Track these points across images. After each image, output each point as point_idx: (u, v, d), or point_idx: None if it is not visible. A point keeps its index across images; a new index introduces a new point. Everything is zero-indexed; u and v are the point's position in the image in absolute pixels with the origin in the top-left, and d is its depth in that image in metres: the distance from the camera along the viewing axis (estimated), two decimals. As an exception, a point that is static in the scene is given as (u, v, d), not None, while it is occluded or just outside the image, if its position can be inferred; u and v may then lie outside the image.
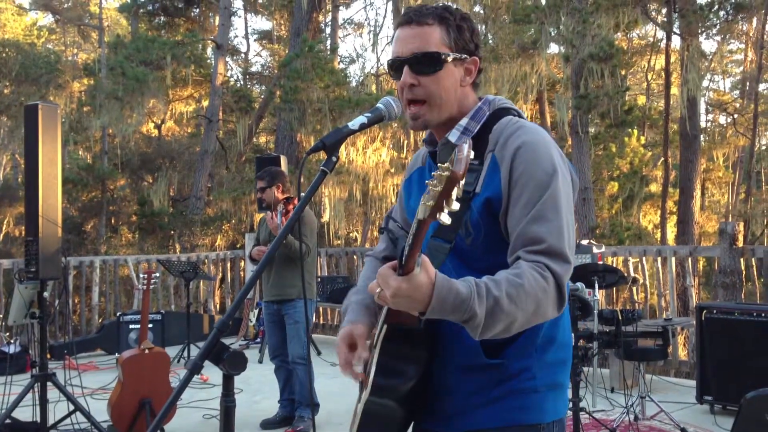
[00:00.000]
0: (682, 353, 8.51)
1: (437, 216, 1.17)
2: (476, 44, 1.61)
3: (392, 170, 13.92)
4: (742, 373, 4.74)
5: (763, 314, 4.80)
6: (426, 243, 1.45)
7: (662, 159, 16.23)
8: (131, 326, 7.41)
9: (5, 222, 17.36)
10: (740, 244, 9.28)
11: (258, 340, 8.16)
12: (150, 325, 7.24)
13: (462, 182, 1.15)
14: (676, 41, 15.16)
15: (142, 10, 17.30)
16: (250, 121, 15.94)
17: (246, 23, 29.86)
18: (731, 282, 6.26)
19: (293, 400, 4.97)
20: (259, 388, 6.09)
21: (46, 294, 4.39)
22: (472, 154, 1.19)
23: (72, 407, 4.41)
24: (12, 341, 6.95)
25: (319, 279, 8.25)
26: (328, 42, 17.47)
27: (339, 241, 16.10)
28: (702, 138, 16.87)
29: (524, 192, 1.46)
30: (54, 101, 12.73)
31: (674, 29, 13.20)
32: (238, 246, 13.86)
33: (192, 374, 1.38)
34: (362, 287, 1.70)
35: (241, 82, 20.60)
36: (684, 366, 6.42)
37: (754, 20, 17.39)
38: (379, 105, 1.60)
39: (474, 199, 1.49)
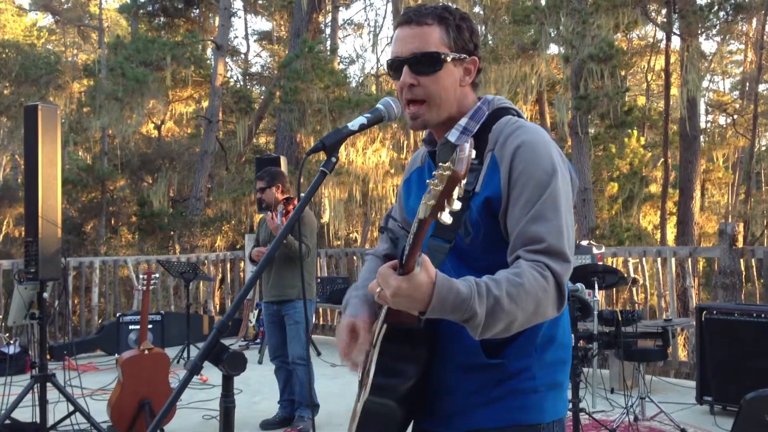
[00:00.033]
0: (682, 354, 8.50)
1: (438, 215, 1.17)
2: (475, 44, 1.62)
3: (392, 171, 13.91)
4: (741, 374, 4.74)
5: (762, 315, 4.80)
6: (425, 242, 1.44)
7: (662, 160, 16.22)
8: (131, 327, 7.40)
9: (5, 222, 17.34)
10: (740, 244, 9.28)
11: (258, 340, 8.16)
12: (150, 326, 7.24)
13: (464, 182, 1.15)
14: (675, 42, 15.17)
15: (141, 11, 17.30)
16: (249, 121, 15.93)
17: (246, 24, 29.76)
18: (731, 283, 6.26)
19: (293, 401, 4.97)
20: (259, 389, 6.08)
21: (45, 295, 4.39)
22: (473, 154, 1.19)
23: (72, 408, 4.40)
24: (12, 342, 6.95)
25: (318, 280, 8.24)
26: (328, 42, 17.47)
27: (339, 242, 16.10)
28: (702, 139, 16.86)
29: (524, 191, 1.46)
30: (54, 102, 12.73)
31: (674, 30, 13.20)
32: (237, 247, 13.86)
33: (192, 375, 1.38)
34: (363, 284, 1.69)
35: (241, 83, 20.61)
36: (684, 367, 6.43)
37: (754, 21, 17.41)
38: (378, 106, 1.60)
39: (473, 198, 1.49)
